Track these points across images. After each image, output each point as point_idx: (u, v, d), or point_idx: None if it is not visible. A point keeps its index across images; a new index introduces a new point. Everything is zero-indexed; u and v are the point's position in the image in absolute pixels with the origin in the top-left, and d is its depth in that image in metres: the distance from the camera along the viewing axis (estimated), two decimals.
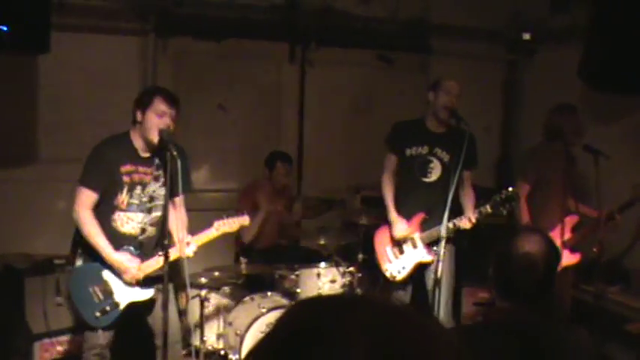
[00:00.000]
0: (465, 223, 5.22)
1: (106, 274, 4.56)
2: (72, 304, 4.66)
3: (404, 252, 5.56)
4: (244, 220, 4.87)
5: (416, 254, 5.51)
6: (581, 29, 5.99)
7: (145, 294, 4.67)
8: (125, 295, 4.61)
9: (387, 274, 5.62)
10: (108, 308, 4.55)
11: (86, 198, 4.44)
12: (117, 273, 4.57)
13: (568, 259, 5.64)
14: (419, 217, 5.44)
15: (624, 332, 5.44)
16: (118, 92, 6.12)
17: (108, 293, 4.57)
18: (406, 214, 5.53)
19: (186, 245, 4.61)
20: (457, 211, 5.33)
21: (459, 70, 7.18)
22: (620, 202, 5.68)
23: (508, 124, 8.49)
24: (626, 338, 5.45)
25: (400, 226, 5.48)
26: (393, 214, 5.53)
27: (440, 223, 5.05)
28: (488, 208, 5.19)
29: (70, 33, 6.06)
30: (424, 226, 5.46)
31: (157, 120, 4.39)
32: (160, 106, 4.40)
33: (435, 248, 5.30)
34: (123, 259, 4.50)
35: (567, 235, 5.63)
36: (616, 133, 6.49)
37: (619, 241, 6.24)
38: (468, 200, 5.52)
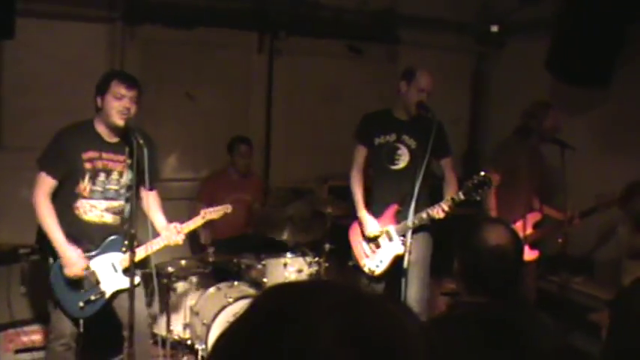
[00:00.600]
0: (437, 213, 5.11)
1: (93, 264, 4.54)
2: (51, 295, 4.59)
3: (380, 246, 5.51)
4: (227, 208, 4.93)
5: (392, 247, 5.44)
6: (550, 22, 6.03)
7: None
8: (111, 284, 4.60)
9: (366, 269, 5.55)
10: (93, 298, 4.53)
11: (44, 183, 4.41)
12: (104, 262, 4.55)
13: (528, 254, 5.70)
14: (393, 209, 5.40)
15: (588, 322, 5.50)
16: (85, 80, 6.01)
17: (94, 283, 4.55)
18: (378, 203, 5.52)
19: (175, 233, 4.62)
20: (438, 201, 5.32)
21: (427, 61, 7.20)
22: (586, 199, 5.75)
23: (476, 115, 8.53)
24: (590, 328, 5.51)
25: (371, 225, 5.45)
26: (362, 212, 5.51)
27: (418, 211, 5.08)
28: (461, 195, 5.06)
29: (36, 19, 5.99)
30: (399, 217, 5.39)
31: (116, 103, 4.34)
32: (117, 89, 4.34)
33: (402, 238, 5.32)
34: (72, 254, 4.42)
35: (528, 231, 5.69)
36: (583, 125, 6.55)
37: (584, 233, 6.30)
38: (447, 189, 5.50)
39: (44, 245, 4.52)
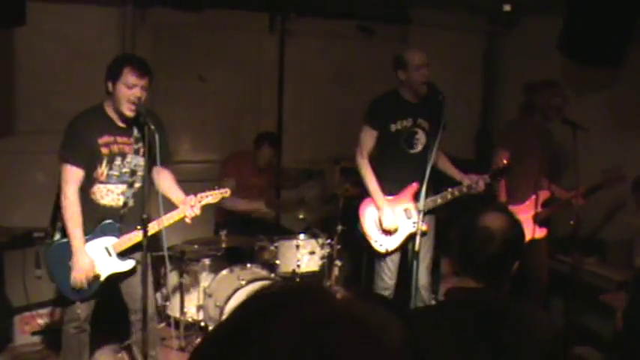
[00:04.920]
0: (480, 186, 5.27)
1: (88, 247, 4.53)
2: (47, 273, 4.64)
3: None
4: (225, 192, 4.88)
5: (409, 225, 5.46)
6: (562, 1, 5.99)
7: (126, 265, 4.66)
8: (106, 267, 4.60)
9: (377, 246, 5.53)
10: (86, 284, 4.54)
11: (72, 175, 4.40)
12: (97, 246, 4.56)
13: (537, 232, 5.73)
14: (413, 188, 5.37)
15: (600, 303, 5.51)
16: (96, 63, 6.00)
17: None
18: (396, 185, 5.50)
19: (190, 208, 4.63)
20: (438, 179, 5.39)
21: (438, 41, 7.19)
22: (597, 179, 5.75)
23: (488, 95, 8.50)
24: (601, 309, 5.53)
25: (389, 217, 5.42)
26: (381, 202, 5.44)
27: (433, 192, 5.20)
28: (487, 179, 5.29)
29: (47, 3, 5.99)
30: (418, 196, 5.37)
31: (127, 92, 4.31)
32: (129, 78, 4.30)
33: (413, 220, 5.33)
34: (85, 261, 4.44)
35: (538, 209, 5.70)
36: (595, 105, 6.51)
37: (596, 214, 6.30)
38: (448, 163, 5.58)
39: (56, 222, 4.54)
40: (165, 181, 4.76)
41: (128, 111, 4.34)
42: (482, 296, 2.56)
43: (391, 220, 5.41)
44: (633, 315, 2.98)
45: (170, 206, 4.68)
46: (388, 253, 5.54)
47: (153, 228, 4.50)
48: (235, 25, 7.13)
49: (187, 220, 4.68)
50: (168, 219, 4.60)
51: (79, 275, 4.44)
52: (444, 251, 6.30)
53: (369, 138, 5.52)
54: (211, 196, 4.79)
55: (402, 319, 1.11)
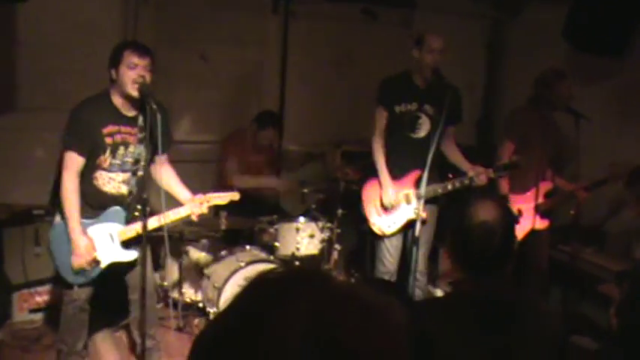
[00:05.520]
0: (482, 180, 5.28)
1: (91, 232, 4.53)
2: (49, 255, 4.65)
3: (396, 207, 5.55)
4: (234, 195, 4.89)
5: (409, 211, 5.47)
6: None
7: (129, 255, 4.66)
8: (108, 256, 4.58)
9: (375, 229, 5.56)
10: (88, 267, 4.55)
11: (73, 162, 4.39)
12: (101, 231, 4.56)
13: (538, 223, 5.73)
14: (415, 174, 5.38)
15: (598, 293, 5.52)
16: (98, 42, 6.03)
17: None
18: (399, 170, 5.51)
19: (199, 205, 4.64)
20: (444, 169, 5.43)
21: (443, 26, 7.14)
22: (600, 169, 5.75)
23: (491, 82, 8.48)
24: (599, 298, 5.53)
25: (390, 194, 5.45)
26: (385, 179, 5.48)
27: (434, 180, 5.20)
28: (491, 173, 5.31)
29: None
30: (420, 183, 5.34)
31: (131, 73, 4.31)
32: (130, 58, 4.31)
33: (413, 206, 5.35)
34: (82, 244, 4.43)
35: (540, 200, 5.69)
36: (599, 95, 6.49)
37: (596, 205, 6.29)
38: (458, 155, 5.59)
39: (56, 204, 4.54)
40: (169, 179, 4.79)
41: (133, 90, 4.33)
42: (490, 288, 2.55)
43: (391, 198, 5.44)
44: (628, 311, 2.96)
45: (172, 200, 4.72)
46: (386, 236, 5.56)
47: (157, 222, 4.51)
48: (239, 5, 7.09)
49: (193, 218, 4.73)
50: (173, 214, 4.61)
51: (78, 259, 4.44)
52: (442, 239, 6.30)
53: (380, 117, 5.55)
54: (220, 198, 4.82)
55: (404, 302, 1.12)
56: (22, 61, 6.12)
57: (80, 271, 4.49)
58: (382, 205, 5.50)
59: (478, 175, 5.29)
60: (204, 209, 4.68)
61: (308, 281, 0.99)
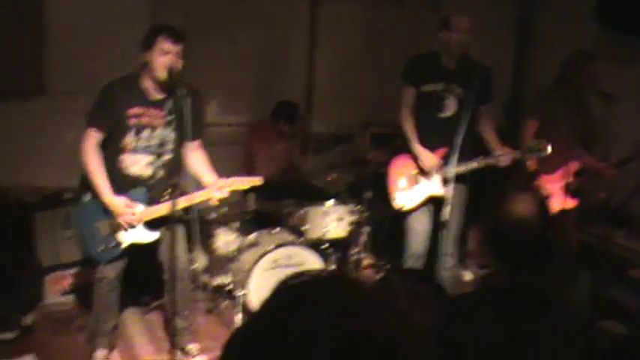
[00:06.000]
0: (506, 161, 5.32)
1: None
2: (77, 232, 4.71)
3: (418, 182, 5.58)
4: (257, 180, 4.87)
5: (429, 187, 5.53)
6: None
7: (150, 236, 4.71)
8: (130, 236, 4.63)
9: (395, 203, 5.65)
10: (111, 245, 4.60)
11: (91, 137, 4.46)
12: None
13: (568, 202, 5.68)
14: (441, 152, 5.42)
15: (628, 277, 5.48)
16: (126, 25, 6.06)
17: (113, 230, 4.60)
18: (424, 146, 5.53)
19: (219, 189, 4.65)
20: (474, 148, 5.44)
21: (471, 6, 7.07)
22: (629, 151, 5.68)
23: (520, 62, 8.39)
24: (629, 282, 5.49)
25: (429, 156, 5.47)
26: (416, 145, 5.51)
27: (462, 159, 5.21)
28: (517, 154, 5.35)
29: None
30: (445, 161, 5.43)
31: (163, 59, 4.34)
32: (163, 44, 4.35)
33: (434, 183, 5.39)
34: (119, 202, 4.49)
35: (570, 179, 5.65)
36: (630, 76, 6.40)
37: (627, 188, 6.22)
38: (490, 134, 5.59)
39: (85, 184, 4.59)
40: (198, 162, 4.80)
41: (163, 74, 4.35)
42: (523, 281, 2.53)
43: (431, 160, 5.46)
44: None
45: (198, 185, 4.74)
46: (404, 211, 5.64)
47: (181, 203, 4.52)
48: None
49: (214, 202, 4.74)
50: (196, 197, 4.62)
51: (123, 217, 4.52)
52: (472, 221, 6.27)
53: (407, 94, 5.58)
54: (242, 183, 4.81)
55: (433, 293, 1.13)
56: (52, 46, 6.15)
57: (104, 251, 4.57)
58: (410, 173, 5.55)
59: (503, 156, 5.28)
60: (225, 194, 4.68)
61: (337, 286, 1.00)
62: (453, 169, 5.09)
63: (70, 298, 5.78)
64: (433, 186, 5.51)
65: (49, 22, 6.09)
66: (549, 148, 5.19)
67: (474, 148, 5.49)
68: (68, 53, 6.17)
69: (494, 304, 2.47)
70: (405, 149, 5.62)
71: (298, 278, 1.02)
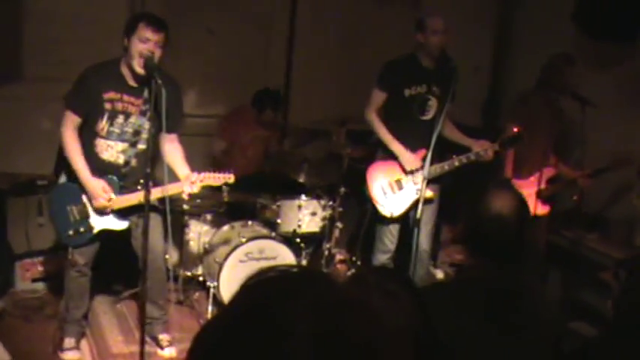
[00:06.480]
0: (488, 155, 5.32)
1: (86, 197, 4.59)
2: (48, 213, 4.73)
3: (403, 187, 5.55)
4: (229, 177, 4.82)
5: (414, 190, 5.47)
6: None
7: (120, 224, 4.72)
8: (100, 222, 4.64)
9: (384, 210, 5.56)
10: (81, 230, 4.60)
11: (69, 120, 4.47)
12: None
13: (540, 209, 5.72)
14: (421, 153, 5.36)
15: (599, 279, 5.52)
16: (105, 11, 6.04)
17: (84, 215, 4.60)
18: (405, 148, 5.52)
19: (190, 184, 4.61)
20: (444, 146, 5.44)
21: (450, 5, 7.10)
22: (606, 156, 5.73)
23: (498, 63, 8.43)
24: (601, 285, 5.53)
25: (411, 157, 5.44)
26: (398, 147, 5.47)
27: (437, 160, 5.26)
28: (496, 147, 5.34)
29: None
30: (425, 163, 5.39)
31: (141, 46, 4.32)
32: (143, 32, 4.32)
33: (417, 187, 5.35)
34: (97, 184, 4.50)
35: (543, 186, 5.69)
36: (607, 81, 6.44)
37: (599, 191, 6.28)
38: (457, 132, 5.60)
39: (60, 167, 4.59)
40: (173, 154, 4.77)
41: (138, 66, 4.34)
42: (495, 274, 2.56)
43: (412, 160, 5.43)
44: (627, 305, 2.95)
45: (174, 177, 4.71)
46: (394, 219, 5.58)
47: (154, 194, 4.48)
48: None
49: (184, 196, 4.73)
50: (168, 190, 4.56)
51: (98, 200, 4.53)
52: (445, 219, 6.32)
53: (377, 98, 5.55)
54: (214, 179, 4.75)
55: (407, 291, 1.14)
56: (29, 30, 6.10)
57: (74, 235, 4.57)
58: (391, 178, 5.52)
59: (484, 150, 5.30)
60: (196, 189, 4.65)
61: (311, 281, 1.00)
62: (427, 169, 5.06)
63: (41, 285, 5.73)
64: (418, 188, 5.42)
65: (26, 7, 6.04)
66: (525, 137, 5.23)
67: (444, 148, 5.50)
68: (44, 39, 6.12)
69: (469, 295, 2.50)
70: (383, 150, 5.61)
71: (269, 272, 1.02)
